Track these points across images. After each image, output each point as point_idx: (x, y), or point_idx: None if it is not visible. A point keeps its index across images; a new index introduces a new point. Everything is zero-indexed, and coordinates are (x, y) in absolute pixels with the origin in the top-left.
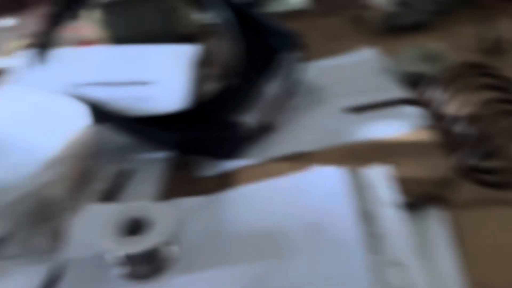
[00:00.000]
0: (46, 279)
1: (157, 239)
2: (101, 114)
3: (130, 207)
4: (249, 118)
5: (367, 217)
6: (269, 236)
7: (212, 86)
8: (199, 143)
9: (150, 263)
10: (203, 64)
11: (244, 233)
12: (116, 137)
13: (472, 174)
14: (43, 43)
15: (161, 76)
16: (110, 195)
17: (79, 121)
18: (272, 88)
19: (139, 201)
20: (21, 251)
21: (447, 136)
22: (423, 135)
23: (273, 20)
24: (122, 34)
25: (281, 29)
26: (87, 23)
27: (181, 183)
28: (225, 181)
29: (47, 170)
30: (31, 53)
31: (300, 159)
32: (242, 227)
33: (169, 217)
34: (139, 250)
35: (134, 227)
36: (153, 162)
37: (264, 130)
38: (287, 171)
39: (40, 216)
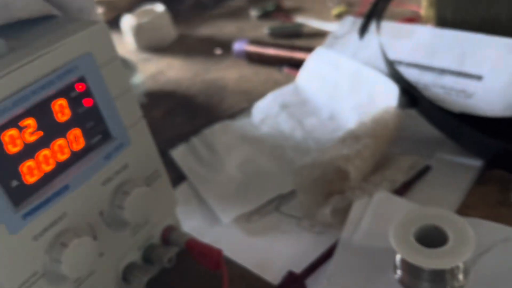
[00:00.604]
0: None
1: (457, 259)
2: (413, 98)
3: (429, 212)
4: None
5: None
6: None
7: None
8: None
9: (434, 282)
10: None
11: None
12: (421, 127)
13: None
14: (369, 13)
15: (491, 73)
16: (401, 188)
17: (386, 100)
18: None
19: (439, 208)
20: (301, 214)
21: None
22: None
23: None
24: (453, 17)
25: None
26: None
27: (484, 202)
28: None
29: (345, 143)
30: (352, 21)
31: None
32: None
33: (468, 237)
34: (440, 266)
35: (427, 235)
36: (454, 166)
37: None
38: None
39: (327, 187)
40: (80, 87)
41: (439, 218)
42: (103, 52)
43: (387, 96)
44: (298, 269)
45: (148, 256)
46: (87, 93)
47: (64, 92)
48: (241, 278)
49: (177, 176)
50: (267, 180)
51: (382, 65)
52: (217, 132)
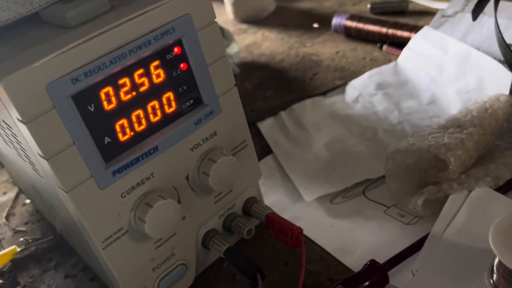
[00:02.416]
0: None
1: None
2: None
3: None
4: None
5: None
6: None
7: None
8: None
9: None
10: None
11: None
12: None
13: None
14: None
15: None
16: (505, 185)
17: (498, 87)
18: None
19: None
20: (388, 201)
21: None
22: None
23: None
24: None
25: None
26: None
27: None
28: None
29: (446, 130)
30: (467, 1)
31: None
32: None
33: None
34: None
35: None
36: None
37: None
38: None
39: (421, 177)
40: (176, 49)
41: None
42: (201, 15)
43: (499, 83)
44: (380, 258)
45: (228, 225)
46: (182, 57)
47: (161, 54)
48: (319, 260)
49: (261, 149)
50: (355, 162)
51: (495, 49)
52: (307, 108)
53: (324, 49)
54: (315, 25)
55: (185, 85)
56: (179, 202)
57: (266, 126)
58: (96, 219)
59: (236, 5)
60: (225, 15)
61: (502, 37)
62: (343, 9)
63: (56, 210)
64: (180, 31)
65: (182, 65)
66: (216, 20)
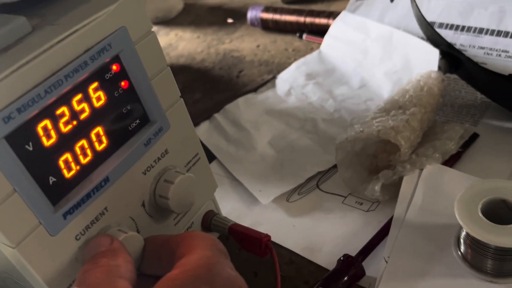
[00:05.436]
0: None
1: None
2: (455, 61)
3: (495, 185)
4: None
5: None
6: None
7: None
8: None
9: (501, 260)
10: None
11: None
12: (462, 92)
13: None
14: None
15: None
16: (450, 158)
17: (425, 65)
18: None
19: (502, 180)
20: (344, 191)
21: None
22: None
23: None
24: None
25: None
26: None
27: None
28: None
29: (389, 113)
30: None
31: None
32: None
33: None
34: (510, 245)
35: (493, 210)
36: (503, 131)
37: None
38: None
39: (372, 162)
40: (115, 67)
41: (507, 190)
42: (137, 26)
43: (425, 60)
44: (349, 250)
45: None
46: (122, 74)
47: (99, 74)
48: (289, 263)
49: None
50: (303, 156)
51: (412, 27)
52: (241, 107)
53: (244, 44)
54: (230, 20)
55: (129, 105)
56: (137, 232)
57: (203, 132)
58: (51, 271)
59: None
60: None
61: (422, 15)
62: (254, 1)
63: None
64: (117, 47)
65: (123, 83)
66: (152, 26)
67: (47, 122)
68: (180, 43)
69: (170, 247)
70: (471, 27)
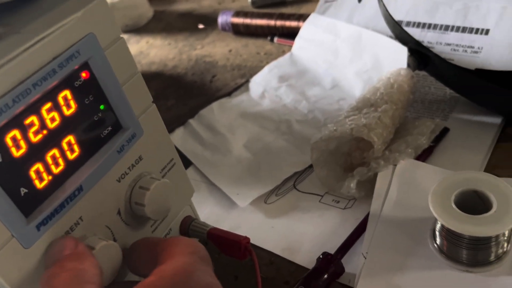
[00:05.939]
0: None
1: (504, 225)
2: (423, 58)
3: (467, 176)
4: None
5: None
6: None
7: None
8: None
9: (476, 250)
10: None
11: None
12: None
13: None
14: None
15: (498, 26)
16: (423, 153)
17: (394, 63)
18: None
19: (474, 172)
20: (320, 190)
21: None
22: None
23: None
24: None
25: None
26: None
27: (511, 159)
28: None
29: (361, 111)
30: None
31: None
32: None
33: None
34: (486, 234)
35: (467, 201)
36: (473, 125)
37: None
38: None
39: (346, 160)
40: (84, 74)
41: (478, 181)
42: (106, 32)
43: (395, 58)
44: (328, 248)
45: None
46: (92, 81)
47: (68, 82)
48: (269, 264)
49: None
50: (279, 157)
51: (381, 27)
52: (216, 111)
53: (216, 49)
54: (200, 26)
55: (100, 112)
56: (114, 240)
57: (178, 138)
58: (25, 284)
59: None
60: None
61: (389, 14)
62: (223, 6)
63: None
64: (85, 53)
65: (93, 90)
66: (120, 32)
67: (16, 132)
68: (151, 50)
69: (157, 251)
70: (437, 25)
